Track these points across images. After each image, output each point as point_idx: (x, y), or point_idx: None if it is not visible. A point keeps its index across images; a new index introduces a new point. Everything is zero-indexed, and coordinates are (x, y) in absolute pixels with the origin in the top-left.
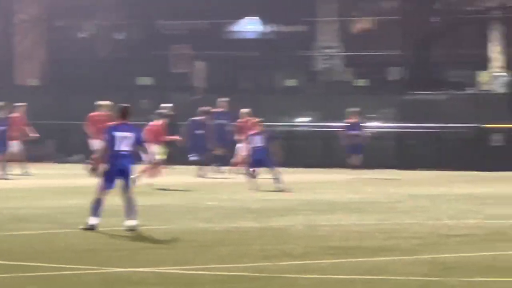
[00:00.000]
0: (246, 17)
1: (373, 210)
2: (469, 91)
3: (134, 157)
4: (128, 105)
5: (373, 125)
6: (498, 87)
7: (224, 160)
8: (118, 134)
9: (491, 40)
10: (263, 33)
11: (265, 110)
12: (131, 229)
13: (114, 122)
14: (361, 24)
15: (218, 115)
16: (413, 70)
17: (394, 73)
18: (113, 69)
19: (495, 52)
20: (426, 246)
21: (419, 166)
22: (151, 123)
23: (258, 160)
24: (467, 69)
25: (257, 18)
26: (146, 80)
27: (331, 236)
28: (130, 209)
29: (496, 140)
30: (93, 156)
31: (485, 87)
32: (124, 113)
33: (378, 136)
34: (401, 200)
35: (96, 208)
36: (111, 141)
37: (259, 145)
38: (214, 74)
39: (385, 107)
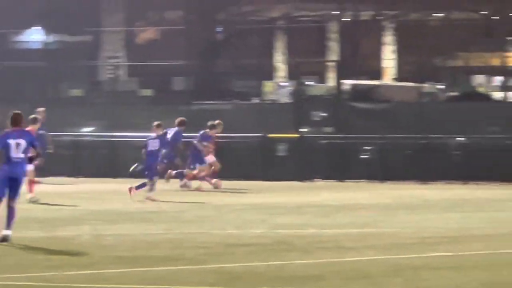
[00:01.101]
0: (31, 27)
1: (160, 220)
2: (255, 101)
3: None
4: (19, 111)
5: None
6: (283, 97)
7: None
8: (11, 141)
9: (276, 50)
10: (48, 43)
11: (51, 120)
12: (4, 239)
13: (7, 129)
14: (146, 34)
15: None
16: (198, 80)
17: (179, 83)
18: None
19: (279, 62)
20: (212, 255)
21: None
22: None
23: (149, 166)
24: (253, 79)
25: (42, 28)
26: None
27: (118, 246)
28: (9, 219)
29: (281, 149)
30: None
31: (270, 97)
32: (15, 120)
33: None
34: (187, 209)
35: None
36: (5, 149)
37: (153, 149)
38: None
39: (171, 117)
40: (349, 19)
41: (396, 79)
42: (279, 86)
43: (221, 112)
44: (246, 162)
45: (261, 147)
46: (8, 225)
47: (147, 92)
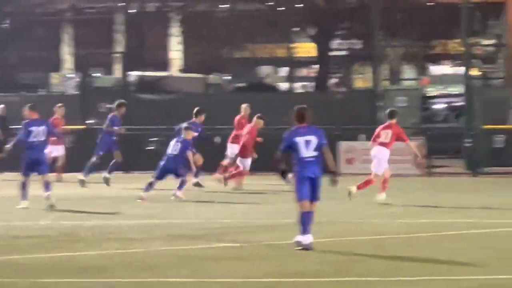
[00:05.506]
0: None
1: None
2: (42, 92)
3: None
4: None
5: None
6: (70, 89)
7: None
8: None
9: (63, 42)
10: None
11: None
12: None
13: None
14: None
15: None
16: None
17: None
18: None
19: (66, 54)
20: None
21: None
22: None
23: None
24: (40, 71)
25: None
26: None
27: None
28: None
29: (68, 141)
30: None
31: (57, 89)
32: None
33: None
34: None
35: None
36: None
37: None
38: None
39: None
40: (135, 11)
41: (182, 71)
42: (66, 78)
43: (7, 104)
44: None
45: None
46: None
47: None
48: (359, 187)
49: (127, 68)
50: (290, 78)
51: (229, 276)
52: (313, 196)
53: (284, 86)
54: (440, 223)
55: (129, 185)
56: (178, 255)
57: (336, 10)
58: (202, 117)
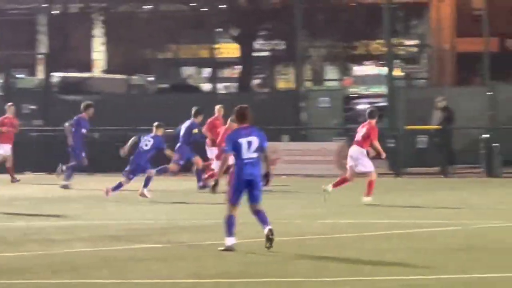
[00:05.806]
0: None
1: None
2: None
3: None
4: None
5: None
6: None
7: None
8: None
9: None
10: None
11: None
12: None
13: None
14: None
15: None
16: None
17: None
18: None
19: None
20: None
21: None
22: None
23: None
24: None
25: None
26: None
27: None
28: None
29: None
30: None
31: None
32: None
33: None
34: None
35: None
36: None
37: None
38: None
39: None
40: (58, 12)
41: (105, 71)
42: None
43: None
44: None
45: None
46: None
47: None
48: (368, 194)
49: (50, 69)
50: (213, 79)
51: (151, 277)
52: (254, 198)
53: (207, 87)
54: (362, 224)
55: (52, 186)
56: (100, 256)
57: (259, 11)
58: (200, 117)
